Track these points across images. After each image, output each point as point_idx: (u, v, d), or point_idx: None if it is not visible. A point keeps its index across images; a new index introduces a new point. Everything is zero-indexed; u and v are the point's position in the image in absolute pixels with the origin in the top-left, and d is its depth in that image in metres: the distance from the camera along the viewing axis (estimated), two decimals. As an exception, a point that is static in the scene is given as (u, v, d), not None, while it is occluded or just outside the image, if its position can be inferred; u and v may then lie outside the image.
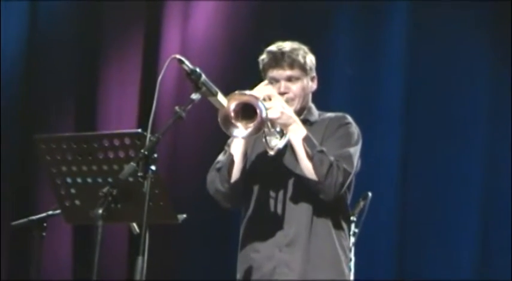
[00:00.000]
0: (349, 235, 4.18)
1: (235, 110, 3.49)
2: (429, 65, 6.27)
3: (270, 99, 3.63)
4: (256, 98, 3.51)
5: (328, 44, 6.38)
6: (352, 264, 4.38)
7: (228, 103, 3.48)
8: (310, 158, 3.65)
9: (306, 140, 3.66)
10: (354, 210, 4.54)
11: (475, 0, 6.22)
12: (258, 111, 3.45)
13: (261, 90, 3.67)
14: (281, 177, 3.78)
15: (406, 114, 6.25)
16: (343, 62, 6.36)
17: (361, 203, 4.62)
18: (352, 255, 4.38)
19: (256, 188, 3.83)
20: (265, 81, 3.78)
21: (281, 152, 3.73)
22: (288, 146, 3.72)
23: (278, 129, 3.71)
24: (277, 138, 3.70)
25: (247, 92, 3.57)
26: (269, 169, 3.79)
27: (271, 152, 3.67)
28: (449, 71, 6.24)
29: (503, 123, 6.09)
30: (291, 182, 3.77)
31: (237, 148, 3.74)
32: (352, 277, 4.38)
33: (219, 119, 3.49)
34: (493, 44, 6.23)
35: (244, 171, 3.76)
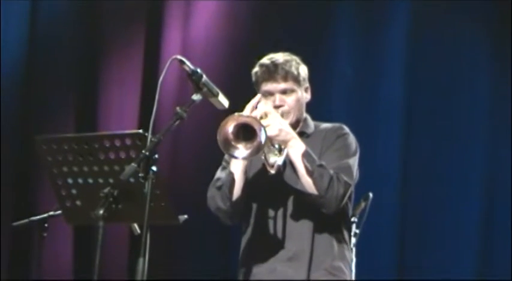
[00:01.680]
0: (350, 240, 4.19)
1: (234, 132, 3.50)
2: (429, 66, 6.28)
3: (266, 115, 3.62)
4: (255, 119, 3.51)
5: (329, 44, 6.38)
6: (353, 265, 4.37)
7: (226, 125, 3.49)
8: (311, 173, 3.64)
9: (305, 155, 3.65)
10: (355, 211, 4.53)
11: (475, 0, 6.22)
12: (257, 131, 3.46)
13: (257, 107, 3.65)
14: (282, 193, 3.77)
15: (406, 114, 6.25)
16: (343, 63, 6.36)
17: (362, 204, 4.62)
18: (353, 256, 4.38)
19: (257, 205, 3.82)
20: (259, 95, 3.76)
21: (281, 169, 3.72)
22: (288, 162, 3.71)
23: (276, 146, 3.70)
24: (275, 154, 3.70)
25: (245, 113, 3.58)
26: (269, 185, 3.77)
27: (272, 171, 3.67)
28: (450, 71, 6.25)
29: (504, 124, 6.09)
30: (291, 197, 3.76)
31: (237, 166, 3.73)
32: (353, 278, 4.38)
33: (218, 142, 3.48)
34: (493, 44, 6.23)
35: (245, 188, 3.75)
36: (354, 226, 4.48)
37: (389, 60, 6.32)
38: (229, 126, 3.49)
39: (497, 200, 6.09)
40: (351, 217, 4.37)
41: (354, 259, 4.36)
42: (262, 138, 3.46)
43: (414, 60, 6.29)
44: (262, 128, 3.46)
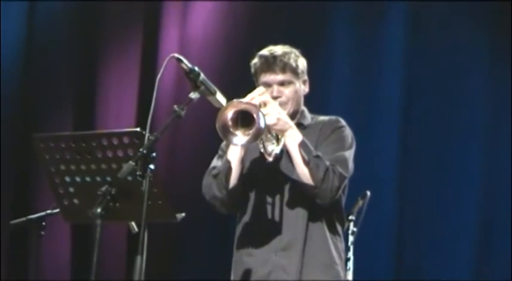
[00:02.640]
0: (347, 235, 4.19)
1: (233, 118, 3.51)
2: (428, 64, 6.28)
3: (265, 105, 3.64)
4: (254, 106, 3.52)
5: (327, 43, 6.38)
6: (351, 263, 4.38)
7: (225, 111, 3.50)
8: (307, 163, 3.67)
9: (302, 145, 3.68)
10: (353, 209, 4.54)
11: (475, 0, 6.22)
12: (256, 118, 3.47)
13: (256, 96, 3.66)
14: (278, 182, 3.80)
15: (404, 112, 6.26)
16: (341, 61, 6.36)
17: (360, 202, 4.62)
18: (351, 254, 4.39)
19: (252, 193, 3.84)
20: (260, 88, 3.78)
21: (277, 158, 3.74)
22: (284, 152, 3.73)
23: (274, 134, 3.72)
24: (273, 143, 3.72)
25: (244, 100, 3.58)
26: (266, 174, 3.80)
27: (270, 159, 3.69)
28: (448, 69, 6.25)
29: (503, 122, 6.09)
30: (287, 187, 3.79)
31: (233, 154, 3.75)
32: (351, 276, 4.38)
33: (217, 128, 3.50)
34: (492, 43, 6.23)
35: (241, 177, 3.77)
36: (351, 224, 4.48)
37: (388, 59, 6.32)
38: (229, 113, 3.50)
39: (496, 200, 6.09)
40: (348, 214, 4.39)
41: (352, 257, 4.37)
42: (261, 125, 3.47)
43: (412, 59, 6.28)
44: (261, 115, 3.48)
